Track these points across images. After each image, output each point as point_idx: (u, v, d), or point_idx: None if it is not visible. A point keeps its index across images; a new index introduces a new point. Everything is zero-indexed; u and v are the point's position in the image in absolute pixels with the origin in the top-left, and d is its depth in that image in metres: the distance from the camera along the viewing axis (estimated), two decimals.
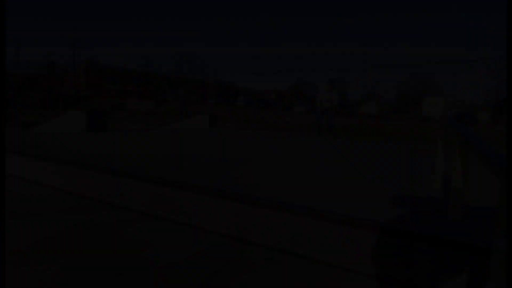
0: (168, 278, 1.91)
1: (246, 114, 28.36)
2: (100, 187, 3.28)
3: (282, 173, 3.80)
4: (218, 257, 2.20)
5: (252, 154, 5.35)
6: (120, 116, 21.15)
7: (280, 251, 2.30)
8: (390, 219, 2.20)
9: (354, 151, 6.40)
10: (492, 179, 1.31)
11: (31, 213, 2.86)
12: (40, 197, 3.32)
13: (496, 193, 1.16)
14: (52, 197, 3.33)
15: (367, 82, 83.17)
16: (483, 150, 1.47)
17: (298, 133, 11.83)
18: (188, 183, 2.86)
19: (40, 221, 2.67)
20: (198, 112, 18.46)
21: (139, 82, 62.36)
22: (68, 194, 3.40)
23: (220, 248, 2.34)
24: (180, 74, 49.18)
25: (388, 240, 2.03)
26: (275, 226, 2.36)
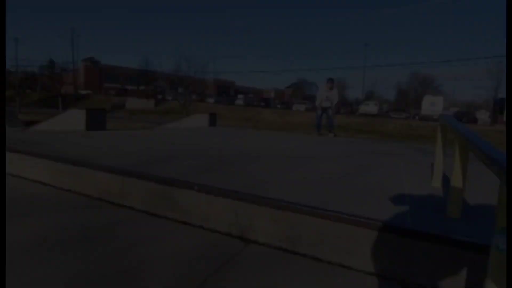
0: (168, 277, 1.91)
1: (246, 113, 28.37)
2: (99, 185, 3.28)
3: (282, 173, 3.80)
4: (218, 256, 2.20)
5: (252, 153, 5.36)
6: (119, 115, 21.16)
7: (281, 249, 2.31)
8: (390, 218, 2.21)
9: (354, 150, 6.40)
10: (492, 177, 1.31)
11: (30, 212, 2.86)
12: (40, 196, 3.32)
13: (496, 192, 1.16)
14: (52, 195, 3.34)
15: (367, 81, 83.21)
16: (483, 149, 1.48)
17: (298, 132, 11.84)
18: (189, 181, 2.86)
19: (40, 220, 2.67)
20: (197, 111, 18.46)
21: (139, 81, 62.34)
22: (67, 192, 3.41)
23: (220, 247, 2.34)
24: (179, 73, 49.15)
25: (388, 238, 2.04)
26: (276, 225, 2.37)
